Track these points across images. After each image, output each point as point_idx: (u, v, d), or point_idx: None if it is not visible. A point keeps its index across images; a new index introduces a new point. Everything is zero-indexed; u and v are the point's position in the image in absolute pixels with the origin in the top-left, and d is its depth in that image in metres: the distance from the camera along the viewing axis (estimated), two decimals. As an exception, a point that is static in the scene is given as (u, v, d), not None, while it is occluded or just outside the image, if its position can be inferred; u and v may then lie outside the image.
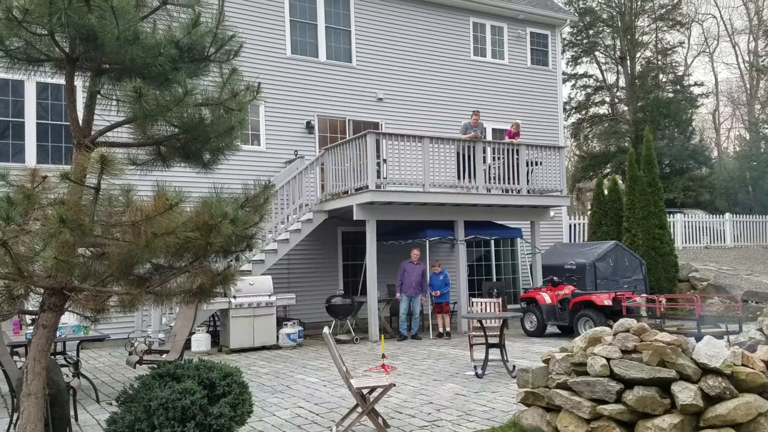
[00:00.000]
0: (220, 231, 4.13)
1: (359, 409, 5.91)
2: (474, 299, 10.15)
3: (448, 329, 13.22)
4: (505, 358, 8.95)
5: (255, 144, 14.77)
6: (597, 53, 36.27)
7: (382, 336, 8.08)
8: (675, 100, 32.15)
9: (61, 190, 4.08)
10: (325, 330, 6.11)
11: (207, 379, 4.74)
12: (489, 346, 8.94)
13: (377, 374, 8.37)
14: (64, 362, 7.97)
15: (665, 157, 29.89)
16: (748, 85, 38.11)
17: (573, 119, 36.84)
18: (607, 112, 36.66)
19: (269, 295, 12.06)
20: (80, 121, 4.56)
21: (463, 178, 13.76)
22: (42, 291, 4.31)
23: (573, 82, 36.42)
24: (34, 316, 5.40)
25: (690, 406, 4.76)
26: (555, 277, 13.42)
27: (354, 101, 16.07)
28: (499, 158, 14.38)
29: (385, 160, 13.09)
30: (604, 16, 34.89)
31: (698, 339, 5.27)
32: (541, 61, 19.32)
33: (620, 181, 20.69)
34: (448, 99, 17.45)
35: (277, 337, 12.09)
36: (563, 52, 33.27)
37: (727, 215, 23.67)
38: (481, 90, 18.05)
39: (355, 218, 12.94)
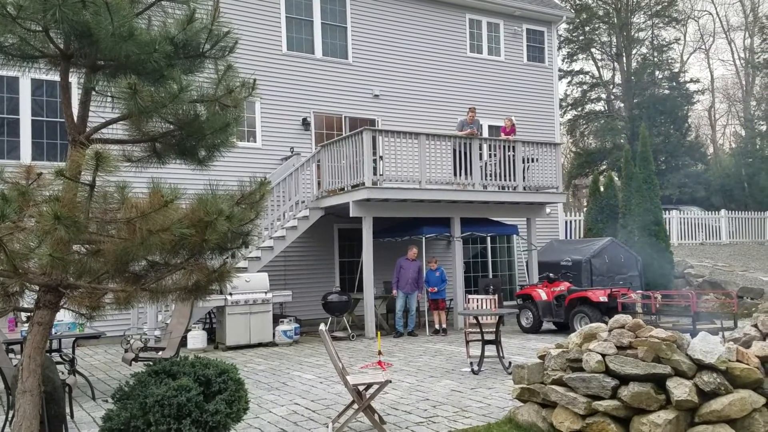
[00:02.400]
0: (216, 228, 4.12)
1: (355, 406, 5.92)
2: (470, 296, 10.17)
3: (444, 326, 13.24)
4: (501, 355, 8.97)
5: (251, 141, 14.75)
6: (593, 50, 36.29)
7: (379, 333, 8.10)
8: (671, 96, 32.22)
9: (56, 187, 4.07)
10: (322, 327, 6.11)
11: (203, 376, 4.74)
12: (485, 342, 8.95)
13: (373, 371, 8.38)
14: (59, 359, 7.96)
15: (661, 153, 29.95)
16: (743, 82, 38.20)
17: (569, 116, 36.90)
18: (603, 109, 36.71)
19: (265, 292, 12.05)
20: (75, 118, 4.54)
21: (460, 174, 13.76)
22: (37, 288, 4.30)
23: (569, 78, 36.46)
24: (29, 314, 5.39)
25: (685, 401, 4.78)
26: (551, 274, 13.44)
27: (350, 98, 16.05)
28: (495, 155, 14.39)
29: (381, 157, 13.08)
30: (600, 12, 34.92)
31: (693, 335, 5.29)
32: (537, 57, 19.33)
33: (616, 178, 20.76)
34: (445, 96, 17.45)
35: (274, 334, 12.08)
36: (559, 48, 33.27)
37: (723, 212, 23.74)
38: (478, 87, 18.05)
39: (351, 215, 12.93)
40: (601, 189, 19.11)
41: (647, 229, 17.02)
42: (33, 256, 3.83)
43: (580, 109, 36.96)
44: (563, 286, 12.75)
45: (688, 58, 40.33)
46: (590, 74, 36.96)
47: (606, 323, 5.62)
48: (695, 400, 4.79)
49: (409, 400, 7.22)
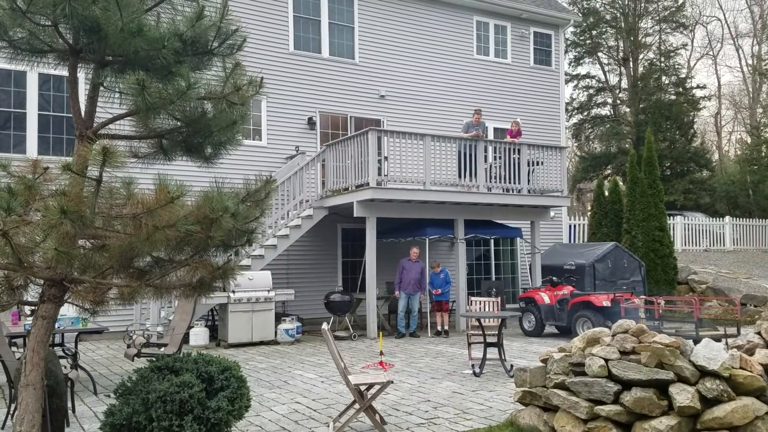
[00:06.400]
0: (221, 225, 4.13)
1: (356, 406, 5.92)
2: (473, 298, 10.16)
3: (446, 327, 13.23)
4: (503, 358, 8.95)
5: (256, 139, 14.77)
6: (600, 54, 36.22)
7: (381, 333, 8.10)
8: (677, 102, 32.12)
9: (63, 181, 4.08)
10: (324, 326, 6.11)
11: (205, 372, 4.74)
12: (487, 345, 8.94)
13: (375, 371, 8.39)
14: (62, 354, 7.97)
15: (666, 159, 29.89)
16: (750, 89, 38.07)
17: (575, 120, 36.82)
18: (608, 113, 36.63)
19: (268, 291, 12.06)
20: (82, 113, 4.55)
21: (464, 176, 13.75)
22: (41, 282, 4.31)
23: (575, 82, 36.38)
24: (33, 307, 5.40)
25: (687, 408, 4.77)
26: (554, 278, 13.42)
27: (356, 98, 16.06)
28: (500, 157, 14.37)
29: (386, 158, 13.08)
30: (608, 17, 34.83)
31: (696, 341, 5.27)
32: (544, 61, 19.31)
33: (621, 183, 20.71)
34: (451, 97, 17.44)
35: (276, 332, 12.09)
36: (566, 52, 33.24)
37: (727, 218, 23.67)
38: (484, 89, 18.04)
39: (355, 215, 12.93)
40: (606, 193, 19.07)
41: (651, 235, 16.99)
42: (38, 250, 3.84)
43: (585, 113, 36.87)
44: (566, 290, 12.73)
45: (695, 64, 40.28)
46: (596, 78, 36.89)
47: (609, 328, 5.60)
48: (698, 406, 4.78)
49: (411, 401, 7.21)
